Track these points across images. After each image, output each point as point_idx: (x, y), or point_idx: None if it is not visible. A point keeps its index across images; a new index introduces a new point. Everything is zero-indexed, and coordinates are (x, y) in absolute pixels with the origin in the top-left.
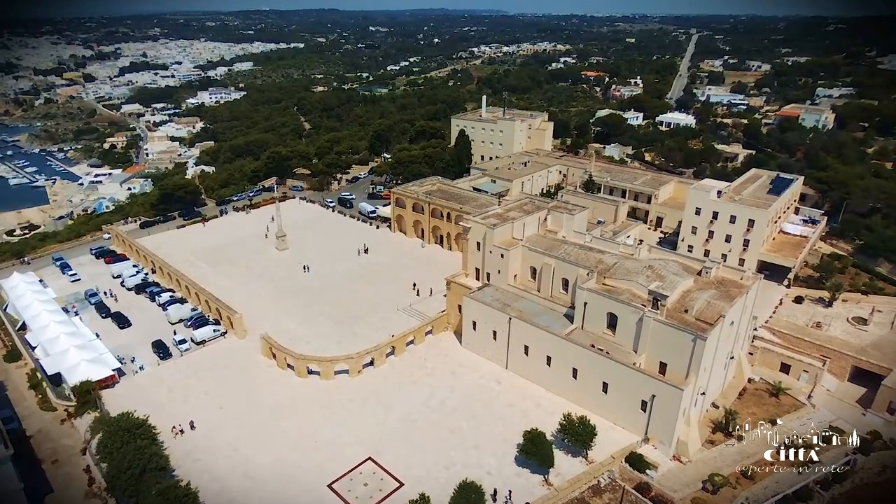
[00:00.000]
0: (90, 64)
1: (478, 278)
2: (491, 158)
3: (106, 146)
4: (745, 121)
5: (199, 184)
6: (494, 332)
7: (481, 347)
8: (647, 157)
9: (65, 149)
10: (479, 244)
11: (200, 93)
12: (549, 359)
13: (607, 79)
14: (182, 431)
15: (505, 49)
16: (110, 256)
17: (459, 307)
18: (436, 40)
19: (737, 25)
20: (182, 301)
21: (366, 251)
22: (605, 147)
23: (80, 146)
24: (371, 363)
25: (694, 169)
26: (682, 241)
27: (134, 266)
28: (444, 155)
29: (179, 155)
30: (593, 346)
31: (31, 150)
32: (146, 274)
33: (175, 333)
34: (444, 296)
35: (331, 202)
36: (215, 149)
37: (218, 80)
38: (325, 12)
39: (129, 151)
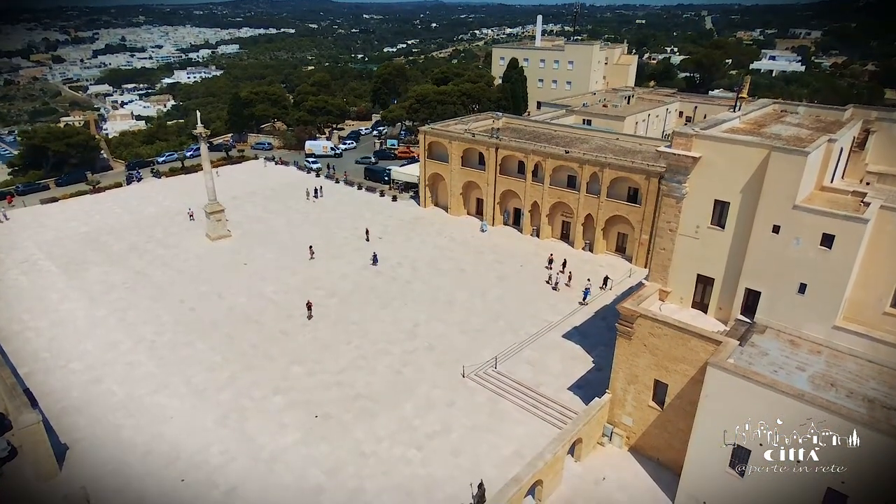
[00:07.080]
0: (63, 47)
1: (702, 305)
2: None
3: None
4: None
5: (105, 141)
6: None
7: None
8: None
9: (16, 131)
10: (739, 203)
11: (178, 72)
12: None
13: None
14: None
15: (509, 31)
16: None
17: (656, 386)
18: (433, 25)
19: (748, 9)
20: None
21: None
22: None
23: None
24: None
25: None
26: None
27: None
28: (492, 93)
29: None
30: None
31: None
32: None
33: None
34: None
35: (314, 163)
36: (182, 125)
37: (200, 62)
38: (317, 2)
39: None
